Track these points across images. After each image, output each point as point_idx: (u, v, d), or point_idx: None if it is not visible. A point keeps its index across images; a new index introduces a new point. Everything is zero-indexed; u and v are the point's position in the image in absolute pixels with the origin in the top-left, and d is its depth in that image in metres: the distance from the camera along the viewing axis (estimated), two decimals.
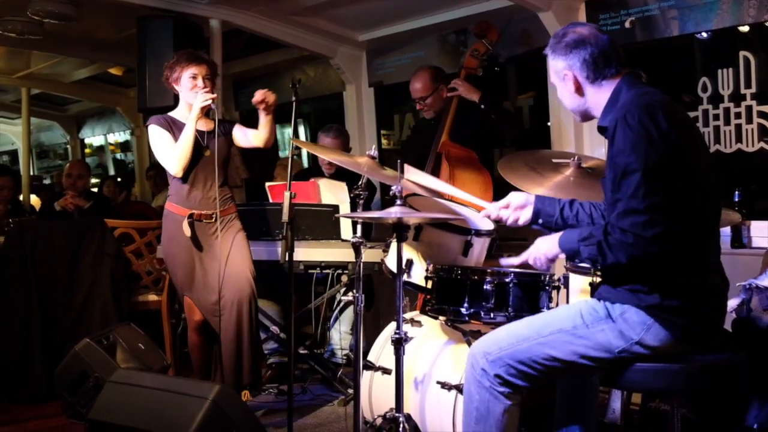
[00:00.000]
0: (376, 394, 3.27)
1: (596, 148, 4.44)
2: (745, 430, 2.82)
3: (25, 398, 4.13)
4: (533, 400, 2.96)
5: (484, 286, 2.82)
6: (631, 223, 2.08)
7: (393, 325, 3.24)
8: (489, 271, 2.88)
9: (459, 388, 2.86)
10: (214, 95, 3.64)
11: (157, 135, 3.69)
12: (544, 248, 2.38)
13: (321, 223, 4.19)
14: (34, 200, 8.44)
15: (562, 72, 2.38)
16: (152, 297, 4.69)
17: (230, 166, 4.04)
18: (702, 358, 2.23)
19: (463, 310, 2.86)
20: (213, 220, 3.67)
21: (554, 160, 3.13)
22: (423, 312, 3.22)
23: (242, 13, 5.21)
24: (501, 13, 4.80)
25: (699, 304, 2.20)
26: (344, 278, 4.13)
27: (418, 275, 3.11)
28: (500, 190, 3.11)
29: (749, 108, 4.00)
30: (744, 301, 2.89)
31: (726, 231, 3.93)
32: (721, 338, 2.33)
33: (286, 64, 6.86)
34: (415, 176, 2.92)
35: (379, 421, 2.89)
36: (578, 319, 2.29)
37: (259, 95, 3.67)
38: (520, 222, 2.55)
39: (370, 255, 3.77)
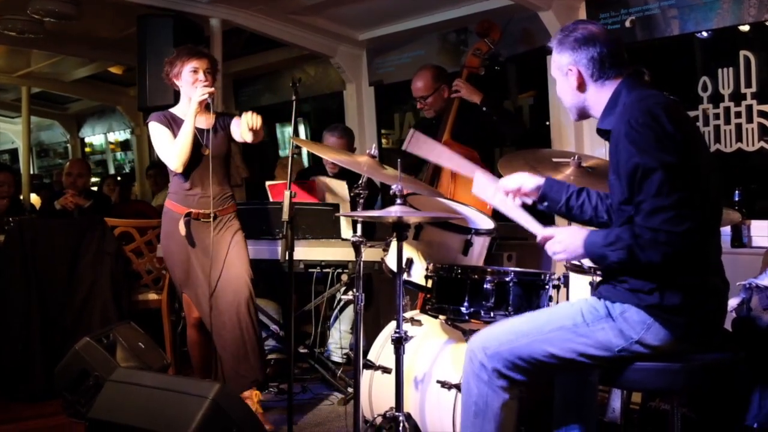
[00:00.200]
0: (376, 393, 3.27)
1: (596, 148, 4.44)
2: (745, 429, 2.82)
3: (25, 397, 4.12)
4: (533, 398, 2.97)
5: (484, 285, 2.82)
6: (662, 221, 2.07)
7: (393, 324, 3.24)
8: (489, 270, 2.88)
9: (459, 387, 2.85)
10: (213, 89, 3.61)
11: (157, 131, 3.68)
12: (571, 246, 2.30)
13: (321, 222, 4.19)
14: (34, 199, 8.45)
15: (566, 67, 2.36)
16: (152, 296, 4.69)
17: (231, 165, 4.02)
18: (702, 357, 2.23)
19: (463, 309, 2.87)
20: (211, 219, 3.65)
21: (554, 160, 3.14)
22: (423, 311, 3.23)
23: (242, 12, 5.21)
24: (501, 13, 4.80)
25: (699, 304, 2.20)
26: (344, 277, 4.13)
27: (418, 274, 3.11)
28: None
29: (749, 107, 3.99)
30: (744, 301, 2.90)
31: (726, 230, 3.93)
32: (721, 338, 2.33)
33: (287, 63, 6.86)
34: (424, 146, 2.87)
35: (379, 420, 2.89)
36: (579, 317, 2.29)
37: (247, 125, 3.50)
38: (527, 185, 2.52)
39: (370, 254, 3.78)
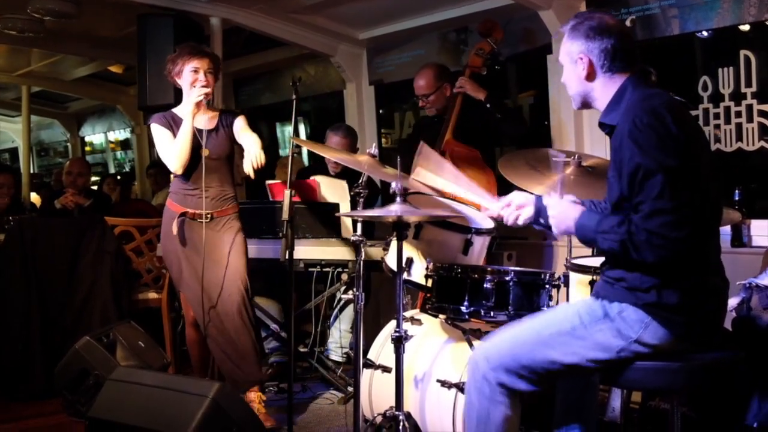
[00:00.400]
0: (376, 392, 3.27)
1: (596, 147, 4.44)
2: (745, 428, 2.82)
3: (25, 396, 4.12)
4: (533, 398, 2.96)
5: (484, 285, 2.82)
6: (660, 224, 2.07)
7: (393, 323, 3.24)
8: (489, 269, 2.88)
9: (459, 387, 2.86)
10: (208, 90, 3.59)
11: (157, 133, 3.68)
12: (562, 223, 2.31)
13: (321, 221, 4.19)
14: (35, 198, 8.45)
15: (577, 54, 2.33)
16: (152, 295, 4.69)
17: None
18: (702, 356, 2.23)
19: (463, 308, 2.87)
20: (208, 219, 3.64)
21: (554, 159, 3.13)
22: (423, 310, 3.23)
23: (242, 11, 5.21)
24: (502, 12, 4.79)
25: (699, 303, 2.20)
26: (344, 276, 4.13)
27: (419, 273, 3.11)
28: (503, 189, 3.11)
29: (749, 107, 4.00)
30: (744, 300, 2.89)
31: (726, 230, 3.93)
32: (721, 337, 2.33)
33: (287, 62, 6.86)
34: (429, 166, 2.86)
35: (379, 419, 2.89)
36: (576, 320, 2.28)
37: (251, 165, 3.46)
38: (521, 221, 2.50)
39: (370, 253, 3.78)
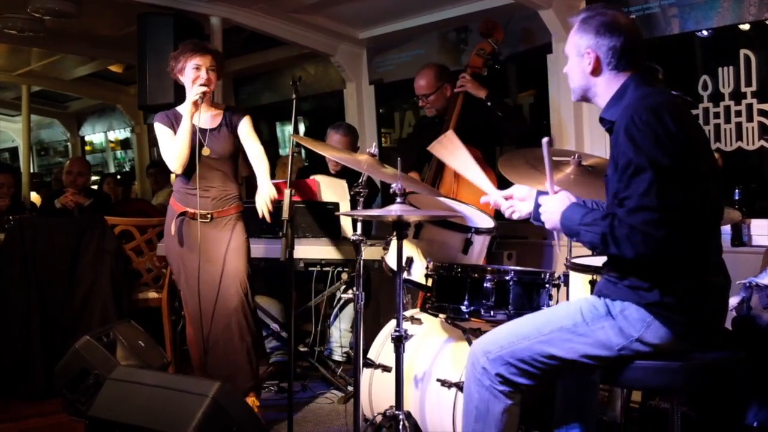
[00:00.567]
0: (376, 391, 3.27)
1: (596, 147, 4.44)
2: (745, 428, 2.82)
3: (25, 395, 4.12)
4: (533, 397, 2.97)
5: (485, 284, 2.82)
6: (642, 221, 2.07)
7: (393, 322, 3.24)
8: (489, 269, 2.88)
9: (459, 386, 2.86)
10: (205, 89, 3.55)
11: (159, 132, 3.66)
12: (552, 216, 2.32)
13: (321, 220, 4.19)
14: (35, 197, 8.45)
15: (584, 48, 2.32)
16: (152, 294, 4.69)
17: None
18: (702, 356, 2.23)
19: (463, 307, 2.87)
20: (209, 220, 3.62)
21: (554, 158, 3.13)
22: (423, 310, 3.23)
23: (242, 10, 5.21)
24: (502, 11, 4.79)
25: (699, 303, 2.20)
26: (344, 276, 4.13)
27: (419, 273, 3.11)
28: (504, 189, 3.10)
29: (749, 106, 3.99)
30: (744, 300, 2.89)
31: (726, 229, 3.93)
32: (721, 337, 2.33)
33: (287, 62, 6.86)
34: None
35: (379, 418, 2.89)
36: (578, 316, 2.28)
37: (264, 208, 3.58)
38: (518, 215, 2.50)
39: (370, 253, 3.78)
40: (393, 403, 2.81)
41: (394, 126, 6.41)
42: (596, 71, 2.33)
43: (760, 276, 2.90)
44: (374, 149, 3.05)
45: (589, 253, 3.20)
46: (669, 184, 2.07)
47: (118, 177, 8.59)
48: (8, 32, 5.84)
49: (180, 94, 3.75)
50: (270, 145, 7.80)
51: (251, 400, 3.61)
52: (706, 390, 2.94)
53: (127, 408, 2.91)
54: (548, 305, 2.83)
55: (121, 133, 10.36)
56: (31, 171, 9.78)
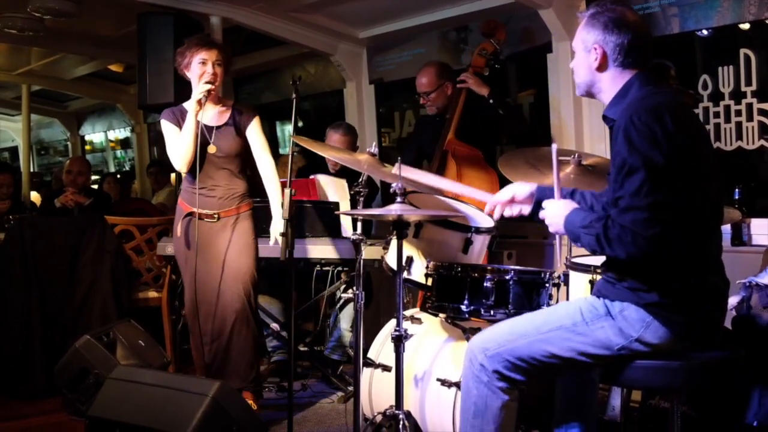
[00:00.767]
0: (376, 391, 3.27)
1: (597, 146, 4.44)
2: (744, 427, 2.82)
3: (25, 395, 4.12)
4: (533, 396, 2.97)
5: (485, 284, 2.82)
6: (632, 220, 2.07)
7: (393, 322, 3.24)
8: (489, 268, 2.88)
9: (459, 386, 2.85)
10: (211, 86, 3.50)
11: (166, 129, 3.60)
12: (554, 220, 2.34)
13: (321, 220, 4.19)
14: (35, 197, 8.45)
15: (592, 44, 2.32)
16: (152, 294, 4.69)
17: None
18: (702, 355, 2.23)
19: (463, 307, 2.87)
20: (216, 219, 3.59)
21: (556, 155, 3.12)
22: (423, 309, 3.23)
23: (242, 9, 5.21)
24: (502, 11, 4.79)
25: (699, 303, 2.20)
26: (344, 275, 4.13)
27: (418, 272, 3.11)
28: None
29: (749, 106, 3.99)
30: (744, 299, 2.89)
31: (726, 229, 3.93)
32: (721, 336, 2.33)
33: (287, 61, 6.86)
34: (413, 175, 2.90)
35: (379, 418, 2.89)
36: (578, 316, 2.29)
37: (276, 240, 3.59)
38: (517, 213, 2.52)
39: (370, 252, 3.78)
40: (393, 402, 2.81)
41: (394, 125, 6.41)
42: (602, 67, 2.33)
43: (760, 275, 2.90)
44: (374, 149, 3.05)
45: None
46: (661, 184, 2.08)
47: (118, 176, 8.59)
48: (8, 31, 5.84)
49: (180, 93, 3.74)
50: (270, 144, 7.79)
51: (250, 403, 3.60)
52: (706, 389, 2.94)
53: (127, 407, 2.91)
54: (548, 305, 2.83)
55: (121, 133, 10.36)
56: (31, 170, 9.78)
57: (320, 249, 4.11)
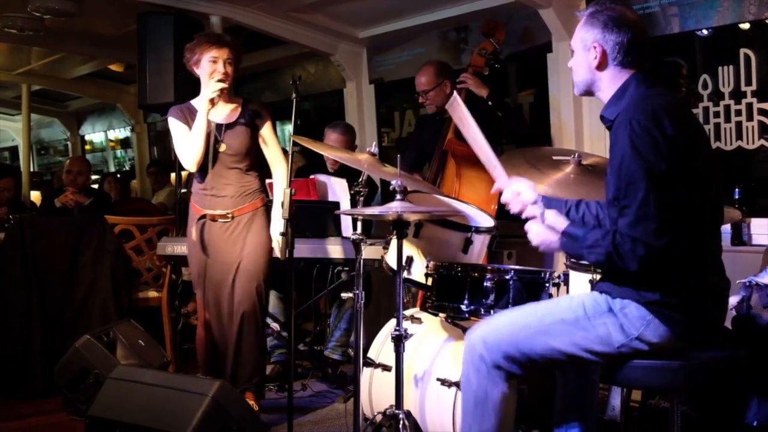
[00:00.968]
0: (376, 391, 3.27)
1: (596, 146, 4.44)
2: (744, 427, 2.82)
3: (25, 394, 4.12)
4: (534, 396, 2.97)
5: (485, 283, 2.82)
6: (644, 232, 2.08)
7: (393, 321, 3.24)
8: (489, 268, 2.88)
9: (459, 385, 2.85)
10: (224, 86, 3.44)
11: (173, 127, 3.55)
12: (546, 241, 2.32)
13: (322, 219, 4.19)
14: (35, 196, 8.45)
15: (591, 42, 2.32)
16: (152, 293, 4.69)
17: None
18: (702, 355, 2.23)
19: (463, 307, 2.86)
20: (230, 219, 3.55)
21: (555, 158, 3.13)
22: (423, 309, 3.23)
23: (242, 9, 5.21)
24: (502, 10, 4.80)
25: (699, 303, 2.20)
26: (344, 275, 4.13)
27: (418, 272, 3.11)
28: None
29: (749, 105, 3.99)
30: (744, 299, 2.89)
31: (726, 228, 3.93)
32: (721, 336, 2.33)
33: (287, 61, 6.86)
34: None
35: (379, 417, 2.89)
36: (580, 310, 2.28)
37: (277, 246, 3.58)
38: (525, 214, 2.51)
39: (370, 252, 3.78)
40: (393, 402, 2.81)
41: (394, 125, 6.41)
42: (602, 66, 2.33)
43: (760, 275, 2.90)
44: (374, 148, 3.05)
45: None
46: (668, 190, 2.08)
47: (118, 176, 8.59)
48: (8, 31, 5.84)
49: (180, 92, 3.72)
50: None
51: (251, 403, 3.60)
52: (706, 389, 2.94)
53: (127, 407, 2.91)
54: None
55: (121, 132, 10.37)
56: (31, 170, 9.79)
57: (320, 249, 4.11)
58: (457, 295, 2.89)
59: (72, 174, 5.53)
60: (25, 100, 8.80)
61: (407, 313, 3.33)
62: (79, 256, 4.42)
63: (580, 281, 2.93)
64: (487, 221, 3.27)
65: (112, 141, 10.63)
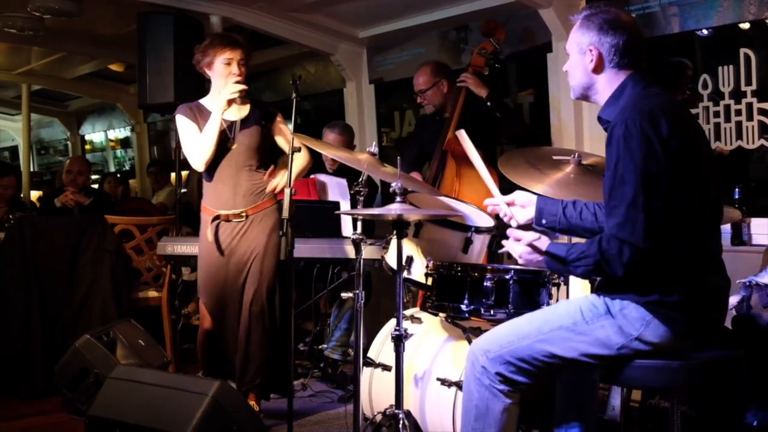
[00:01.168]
0: (376, 390, 3.27)
1: (596, 146, 4.44)
2: (744, 427, 2.82)
3: (25, 394, 4.12)
4: (533, 396, 2.96)
5: (485, 283, 2.81)
6: (631, 233, 2.08)
7: (393, 321, 3.24)
8: (489, 267, 2.88)
9: (459, 385, 2.86)
10: (245, 87, 3.44)
11: (181, 126, 3.53)
12: (532, 260, 2.33)
13: (322, 219, 4.19)
14: (36, 196, 8.45)
15: (587, 46, 2.32)
16: (152, 293, 4.69)
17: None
18: (702, 355, 2.23)
19: (463, 306, 2.86)
20: (244, 218, 3.53)
21: (554, 158, 3.13)
22: (423, 309, 3.23)
23: (243, 9, 5.22)
24: (502, 10, 4.80)
25: (699, 303, 2.20)
26: (344, 275, 4.13)
27: (418, 272, 3.11)
28: (506, 189, 3.10)
29: (749, 105, 4.00)
30: (744, 299, 2.89)
31: (726, 228, 3.93)
32: (721, 336, 2.33)
33: (287, 61, 6.86)
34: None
35: (378, 417, 2.89)
36: (578, 315, 2.28)
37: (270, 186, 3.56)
38: (515, 223, 2.53)
39: (370, 252, 3.78)
40: (393, 402, 2.81)
41: (394, 125, 6.41)
42: (598, 68, 2.33)
43: (760, 275, 2.90)
44: (374, 148, 3.05)
45: None
46: (656, 193, 2.08)
47: (118, 176, 8.59)
48: (8, 31, 5.84)
49: (181, 92, 3.71)
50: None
51: (252, 404, 3.60)
52: (706, 389, 2.93)
53: (127, 407, 2.91)
54: (548, 304, 2.83)
55: (121, 132, 10.36)
56: (31, 170, 9.79)
57: (320, 249, 4.11)
58: (457, 295, 2.88)
59: (72, 174, 5.53)
60: (25, 100, 8.81)
61: (407, 312, 3.33)
62: (79, 256, 4.43)
63: (580, 281, 2.93)
64: (487, 221, 3.27)
65: (112, 141, 10.62)
